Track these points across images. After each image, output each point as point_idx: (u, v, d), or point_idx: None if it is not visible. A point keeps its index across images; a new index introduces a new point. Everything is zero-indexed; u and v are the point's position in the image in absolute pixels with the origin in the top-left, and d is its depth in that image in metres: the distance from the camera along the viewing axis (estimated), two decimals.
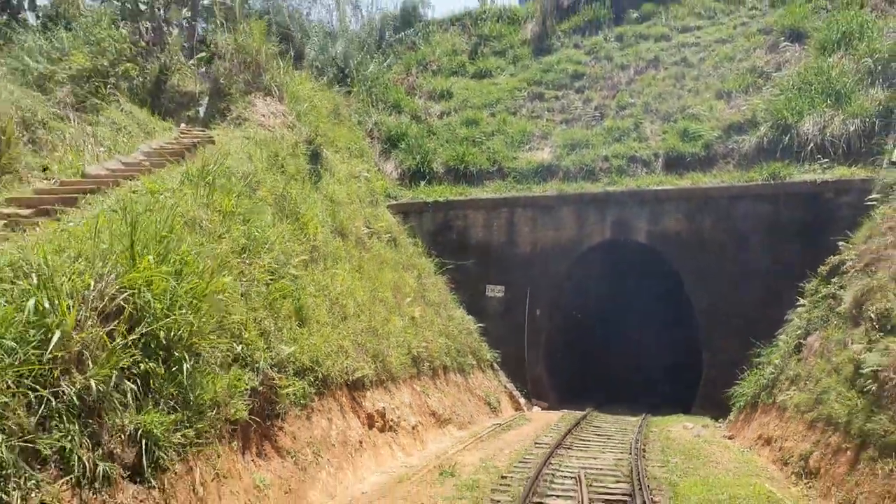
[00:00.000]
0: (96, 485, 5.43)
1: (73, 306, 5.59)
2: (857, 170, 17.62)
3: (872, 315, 10.63)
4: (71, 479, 5.23)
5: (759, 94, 20.79)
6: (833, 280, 13.46)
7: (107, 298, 6.07)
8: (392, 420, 12.26)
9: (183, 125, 17.88)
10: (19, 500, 4.73)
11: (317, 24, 27.15)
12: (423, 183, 21.94)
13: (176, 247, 7.29)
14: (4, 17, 25.23)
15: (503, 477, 10.38)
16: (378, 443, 11.56)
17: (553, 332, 20.16)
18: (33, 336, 5.24)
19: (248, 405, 7.98)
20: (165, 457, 6.11)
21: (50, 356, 5.26)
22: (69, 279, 5.89)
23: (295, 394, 9.46)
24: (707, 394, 17.61)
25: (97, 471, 5.43)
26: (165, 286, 6.64)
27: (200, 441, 6.75)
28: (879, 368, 9.39)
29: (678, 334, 20.35)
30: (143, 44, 20.85)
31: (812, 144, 18.52)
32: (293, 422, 9.37)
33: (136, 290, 6.32)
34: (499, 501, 8.98)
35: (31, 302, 5.22)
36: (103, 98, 16.02)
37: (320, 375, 10.26)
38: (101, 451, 5.58)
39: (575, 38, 26.51)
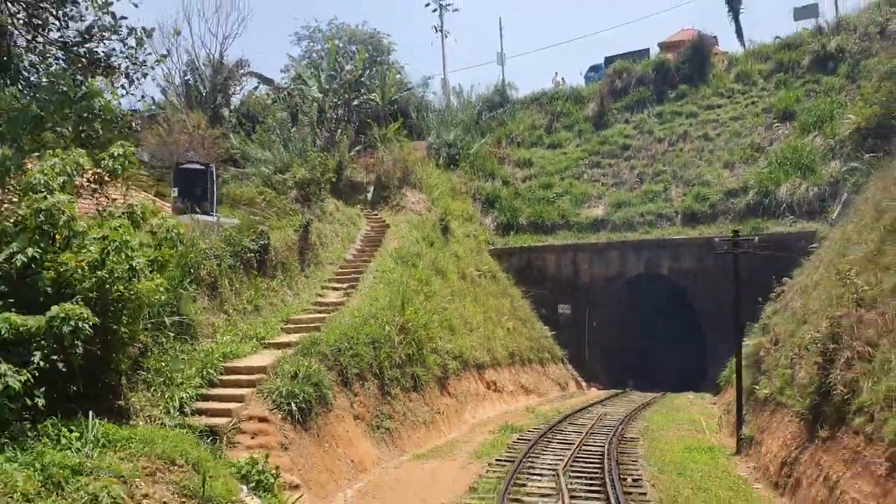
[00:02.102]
0: (406, 390, 16.39)
1: (394, 328, 16.61)
2: (813, 224, 26.67)
3: (759, 325, 20.35)
4: (400, 386, 16.21)
5: (753, 165, 30.01)
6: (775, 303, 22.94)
7: (399, 324, 17.06)
8: (499, 386, 22.89)
9: (358, 207, 29.26)
10: (396, 392, 15.72)
11: (432, 113, 38.18)
12: (511, 233, 32.43)
13: (413, 302, 18.29)
14: (210, 114, 37.85)
15: (559, 412, 20.79)
16: (493, 397, 22.22)
17: (605, 337, 30.14)
18: (386, 339, 16.24)
19: (439, 370, 18.85)
20: (423, 385, 17.04)
21: (393, 346, 16.28)
22: (389, 317, 16.89)
23: (453, 368, 20.22)
24: (710, 378, 27.07)
25: (405, 386, 16.42)
26: (415, 320, 17.59)
27: (429, 382, 17.66)
28: (750, 354, 19.15)
29: (691, 337, 29.56)
30: (321, 143, 32.53)
31: (784, 205, 27.68)
32: (453, 381, 20.15)
33: (407, 320, 17.29)
34: (555, 418, 19.38)
35: (387, 328, 16.25)
36: (318, 197, 27.45)
37: (463, 359, 21.01)
38: (406, 380, 16.55)
39: (626, 114, 36.32)
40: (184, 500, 7.18)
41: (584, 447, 14.93)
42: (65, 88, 9.09)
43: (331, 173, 28.34)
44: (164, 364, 10.82)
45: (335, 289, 19.24)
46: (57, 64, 11.81)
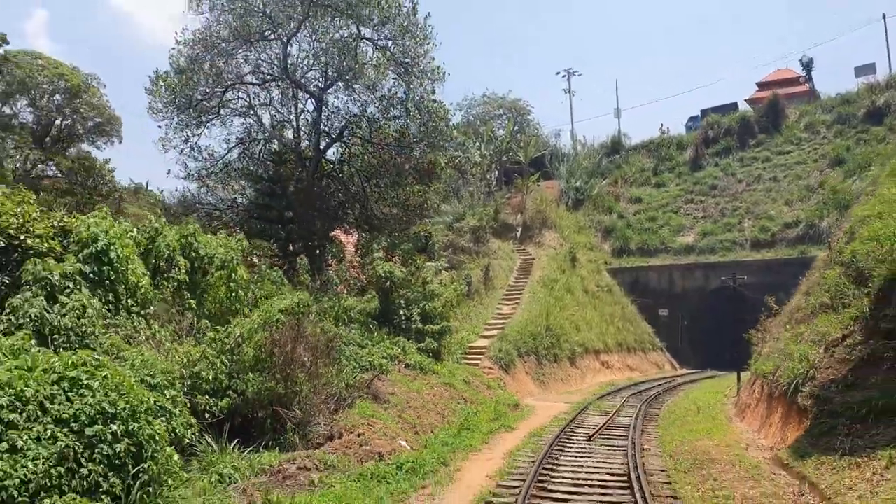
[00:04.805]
0: (550, 362, 31.91)
1: (543, 328, 32.15)
2: None
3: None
4: (547, 360, 31.76)
5: (806, 203, 42.59)
6: None
7: (545, 326, 32.54)
8: (610, 365, 37.74)
9: (510, 243, 44.95)
10: (545, 363, 31.30)
11: (563, 161, 53.26)
12: (623, 255, 46.84)
13: (553, 312, 33.78)
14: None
15: (647, 380, 35.41)
16: (605, 371, 37.14)
17: (693, 332, 43.91)
18: (538, 334, 31.77)
19: (569, 352, 34.18)
20: (560, 360, 32.50)
21: (542, 338, 31.89)
22: (540, 321, 32.44)
23: (578, 352, 35.44)
24: None
25: (550, 360, 31.95)
26: (555, 323, 33.04)
27: (563, 359, 33.05)
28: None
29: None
30: (482, 196, 48.60)
31: (825, 235, 40.26)
32: (578, 359, 35.40)
33: (550, 324, 32.75)
34: (644, 382, 34.00)
35: (539, 328, 31.83)
36: (484, 239, 43.29)
37: (585, 347, 36.13)
38: (550, 357, 32.05)
39: (715, 159, 49.46)
40: (484, 385, 23.08)
41: (647, 390, 29.73)
42: (424, 235, 25.75)
43: (492, 221, 44.34)
44: (446, 342, 26.94)
45: (506, 304, 35.00)
46: (387, 206, 28.51)
